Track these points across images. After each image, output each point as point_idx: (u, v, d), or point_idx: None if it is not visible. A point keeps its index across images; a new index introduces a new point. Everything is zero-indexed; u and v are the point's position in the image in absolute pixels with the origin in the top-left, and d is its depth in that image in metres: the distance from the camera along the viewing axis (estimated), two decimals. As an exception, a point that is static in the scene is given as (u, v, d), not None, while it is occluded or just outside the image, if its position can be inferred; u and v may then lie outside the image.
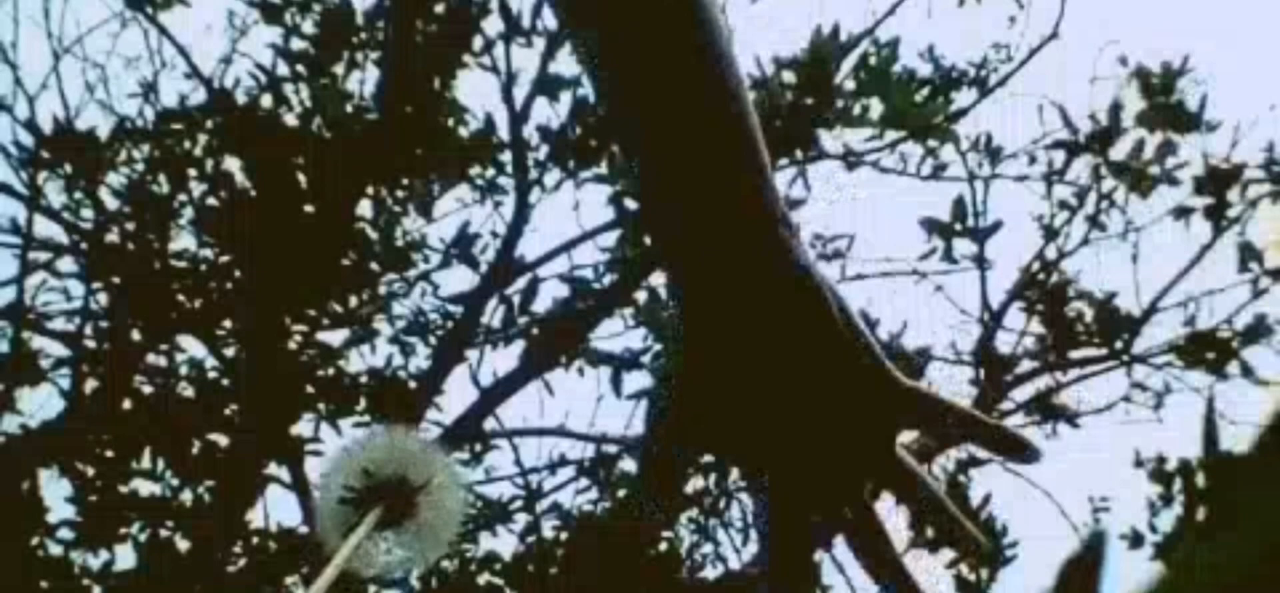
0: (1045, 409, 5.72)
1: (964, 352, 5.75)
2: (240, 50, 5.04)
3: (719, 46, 0.59)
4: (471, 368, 5.14)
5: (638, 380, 5.43)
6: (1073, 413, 5.74)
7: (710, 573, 5.34)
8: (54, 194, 4.84)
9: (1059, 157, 5.72)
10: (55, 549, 4.35)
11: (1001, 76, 5.50)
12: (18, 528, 4.26)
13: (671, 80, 0.58)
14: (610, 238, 5.35)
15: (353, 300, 4.77)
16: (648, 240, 4.99)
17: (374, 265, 4.79)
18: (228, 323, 4.60)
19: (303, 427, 4.64)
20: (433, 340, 5.23)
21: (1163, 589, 0.21)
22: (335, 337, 4.81)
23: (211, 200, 4.62)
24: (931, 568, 5.41)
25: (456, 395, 5.32)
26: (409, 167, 4.83)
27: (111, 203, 4.78)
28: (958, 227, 5.62)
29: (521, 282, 5.23)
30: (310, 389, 4.60)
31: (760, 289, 0.60)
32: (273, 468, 4.58)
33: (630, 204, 5.23)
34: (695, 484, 5.40)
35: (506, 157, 5.15)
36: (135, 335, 4.59)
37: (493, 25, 5.04)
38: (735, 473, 5.32)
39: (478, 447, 5.37)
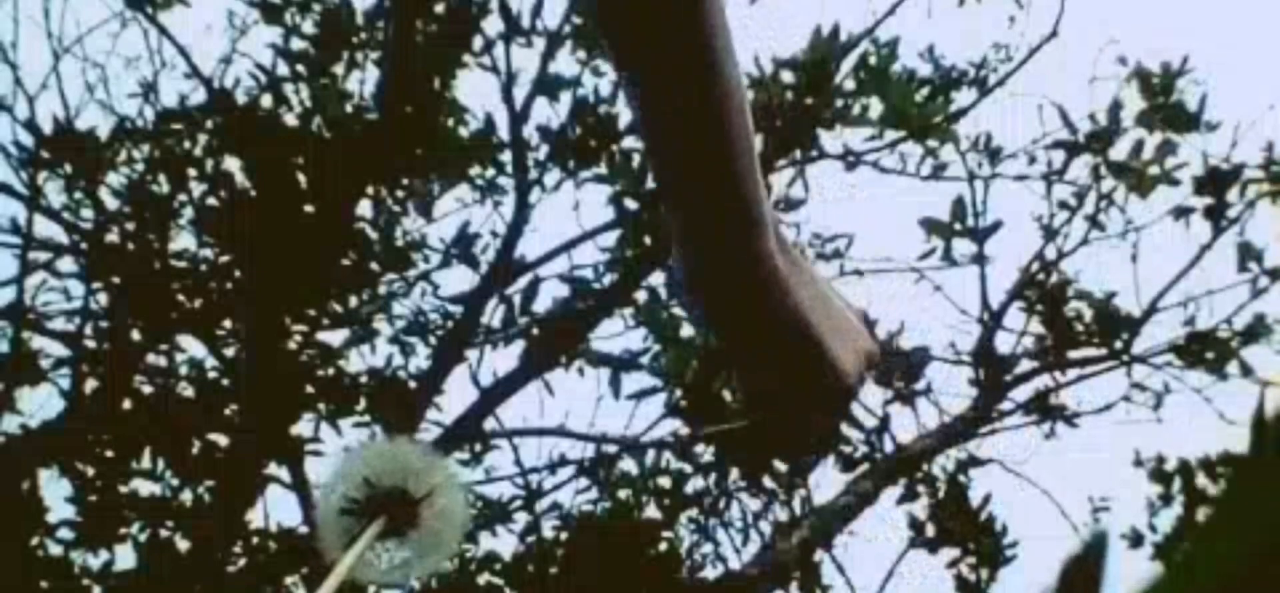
0: (1044, 409, 5.73)
1: (963, 351, 5.76)
2: (240, 50, 5.05)
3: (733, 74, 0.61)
4: (471, 368, 5.14)
5: (637, 381, 5.43)
6: (1072, 413, 5.74)
7: (710, 573, 5.35)
8: (54, 194, 4.85)
9: (1059, 156, 5.73)
10: (55, 549, 4.35)
11: (1001, 76, 5.50)
12: (18, 528, 4.26)
13: (689, 98, 0.60)
14: (610, 238, 5.35)
15: (353, 300, 4.77)
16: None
17: (374, 265, 4.79)
18: (228, 323, 4.60)
19: (303, 427, 4.64)
20: (433, 340, 5.24)
21: (1162, 589, 0.22)
22: (335, 337, 4.82)
23: (211, 200, 4.62)
24: (931, 569, 5.42)
25: (456, 396, 5.33)
26: (409, 167, 4.83)
27: (111, 203, 4.79)
28: (957, 226, 5.62)
29: (522, 282, 5.24)
30: (310, 389, 4.60)
31: (735, 285, 0.64)
32: (273, 468, 4.58)
33: (630, 204, 5.24)
34: (695, 484, 5.41)
35: (506, 157, 5.15)
36: (135, 335, 4.59)
37: (493, 25, 5.04)
38: (734, 473, 5.33)
39: (478, 447, 5.37)
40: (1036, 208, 5.89)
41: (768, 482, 5.36)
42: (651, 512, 5.30)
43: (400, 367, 5.09)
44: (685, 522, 5.39)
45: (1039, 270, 5.81)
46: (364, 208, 4.83)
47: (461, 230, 5.29)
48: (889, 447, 5.49)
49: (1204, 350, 5.67)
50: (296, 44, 4.87)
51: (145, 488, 4.44)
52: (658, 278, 5.46)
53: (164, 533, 4.40)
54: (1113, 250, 5.88)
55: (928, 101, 5.34)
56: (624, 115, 5.29)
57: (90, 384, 4.56)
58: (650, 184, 5.26)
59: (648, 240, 5.30)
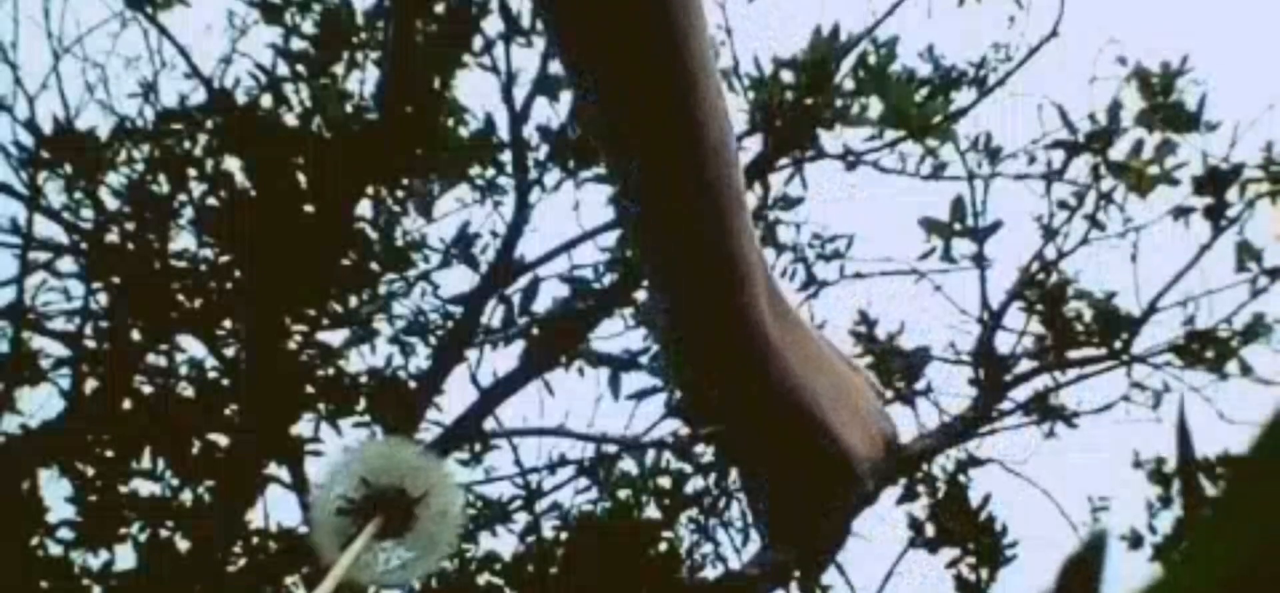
0: (1044, 409, 5.73)
1: (963, 351, 5.76)
2: (240, 50, 5.05)
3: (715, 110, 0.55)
4: (471, 368, 5.15)
5: (637, 380, 5.43)
6: (1072, 413, 5.74)
7: (710, 573, 5.35)
8: (54, 194, 4.85)
9: (1058, 156, 5.73)
10: (55, 549, 4.35)
11: (1001, 76, 5.50)
12: (18, 528, 4.26)
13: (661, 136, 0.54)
14: (610, 238, 5.35)
15: (353, 300, 4.77)
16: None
17: (374, 265, 4.79)
18: (228, 323, 4.60)
19: (303, 427, 4.64)
20: (433, 340, 5.24)
21: (1161, 590, 0.22)
22: (335, 337, 4.82)
23: (211, 200, 4.62)
24: (931, 569, 5.42)
25: (456, 396, 5.33)
26: (409, 167, 4.84)
27: (111, 203, 4.79)
28: (957, 226, 5.62)
29: (522, 282, 5.24)
30: (310, 389, 4.60)
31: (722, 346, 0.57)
32: (273, 468, 4.58)
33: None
34: (695, 484, 5.41)
35: (506, 157, 5.16)
36: (135, 335, 4.59)
37: (493, 25, 5.04)
38: (734, 473, 5.32)
39: (477, 447, 5.38)
40: (1036, 208, 5.91)
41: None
42: (651, 512, 5.31)
43: (400, 367, 5.09)
44: (685, 522, 5.40)
45: (1039, 270, 5.81)
46: (364, 208, 4.84)
47: (461, 230, 5.29)
48: (889, 447, 5.49)
49: (1204, 350, 5.68)
50: (296, 44, 4.87)
51: (145, 488, 4.44)
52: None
53: (164, 533, 4.40)
54: (1112, 250, 5.89)
55: (927, 101, 5.34)
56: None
57: (90, 384, 4.56)
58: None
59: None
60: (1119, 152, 5.64)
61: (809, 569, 0.64)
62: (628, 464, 5.42)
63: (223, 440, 4.52)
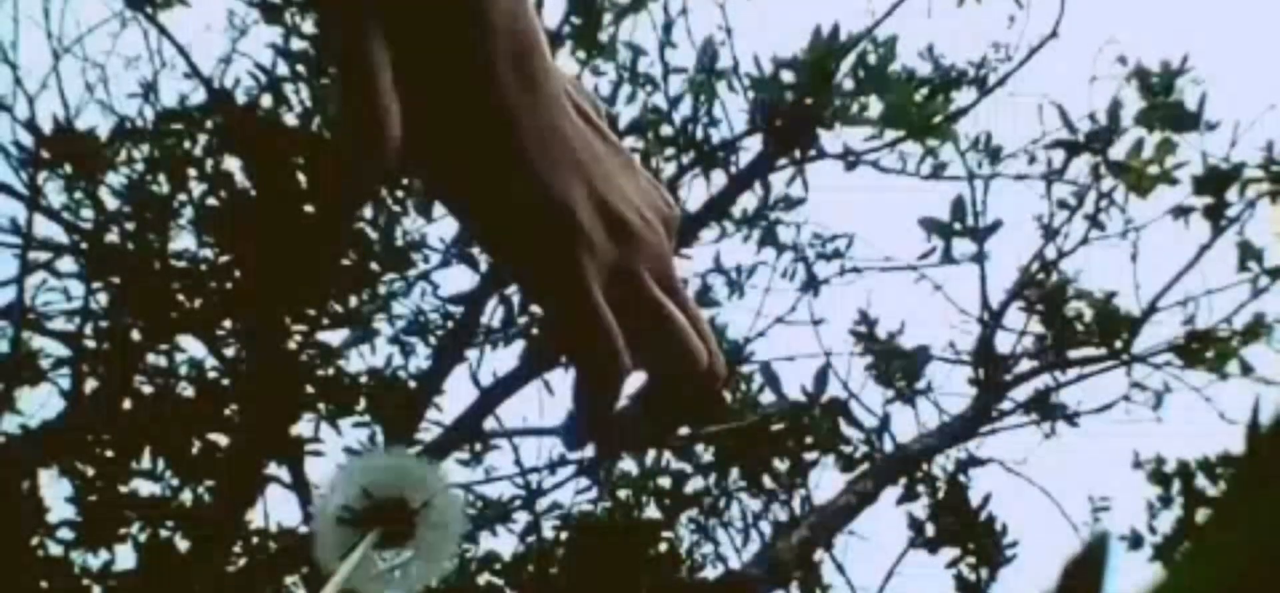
0: (1044, 409, 5.73)
1: (963, 351, 5.76)
2: (240, 50, 5.05)
3: None
4: (471, 368, 5.14)
5: (636, 379, 5.42)
6: (1072, 413, 5.74)
7: (710, 573, 5.35)
8: (54, 194, 4.85)
9: (1058, 156, 5.73)
10: (55, 549, 4.35)
11: (1001, 76, 5.50)
12: (18, 528, 4.26)
13: None
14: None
15: (353, 300, 4.77)
16: None
17: (374, 265, 4.79)
18: (228, 323, 4.60)
19: (303, 427, 4.64)
20: (433, 340, 5.24)
21: (1163, 591, 0.22)
22: (335, 336, 4.82)
23: (211, 200, 4.62)
24: (931, 569, 5.42)
25: (457, 395, 5.33)
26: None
27: (111, 203, 4.79)
28: (957, 226, 5.62)
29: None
30: (310, 389, 4.60)
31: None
32: (273, 468, 4.58)
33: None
34: (695, 484, 5.41)
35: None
36: (135, 335, 4.59)
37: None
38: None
39: (478, 446, 5.37)
40: (1036, 207, 5.91)
41: (768, 481, 5.36)
42: (651, 512, 5.31)
43: (400, 367, 5.09)
44: (685, 522, 5.40)
45: (1039, 270, 5.81)
46: (364, 207, 4.84)
47: (462, 229, 5.29)
48: (889, 446, 5.50)
49: (1204, 350, 5.68)
50: (296, 44, 4.87)
51: (145, 488, 4.44)
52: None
53: (164, 533, 4.40)
54: (1112, 250, 5.90)
55: (927, 101, 5.34)
56: (624, 115, 5.29)
57: (90, 384, 4.56)
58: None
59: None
60: (1119, 151, 5.65)
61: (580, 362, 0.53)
62: (628, 464, 5.42)
63: (223, 440, 4.52)
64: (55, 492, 4.37)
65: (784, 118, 5.17)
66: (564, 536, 5.06)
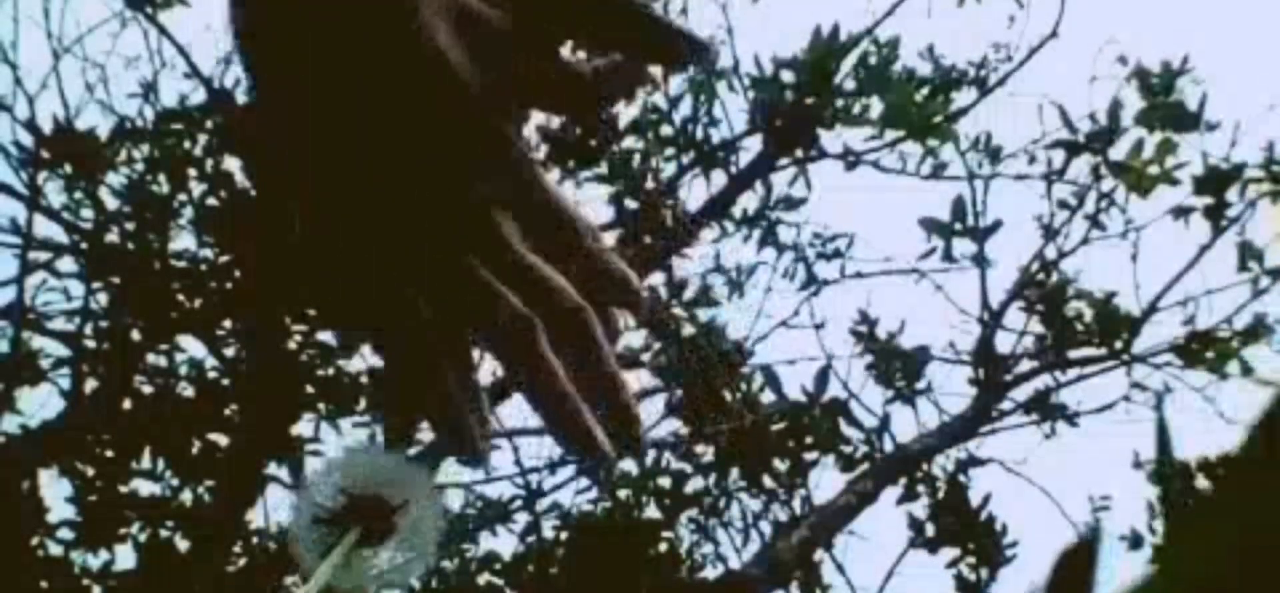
0: (1044, 409, 5.73)
1: (963, 351, 5.76)
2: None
3: None
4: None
5: (637, 380, 5.43)
6: (1072, 413, 5.74)
7: (710, 573, 5.35)
8: (54, 194, 4.85)
9: (1058, 156, 5.73)
10: (55, 549, 4.35)
11: (1001, 76, 5.50)
12: (18, 528, 4.26)
13: None
14: (609, 238, 5.35)
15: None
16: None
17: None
18: (228, 323, 4.60)
19: (303, 427, 4.64)
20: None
21: (1147, 588, 0.22)
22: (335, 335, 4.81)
23: (211, 200, 4.62)
24: (930, 569, 5.42)
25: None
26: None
27: (111, 203, 4.78)
28: (957, 226, 5.62)
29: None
30: (310, 389, 4.60)
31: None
32: (273, 468, 4.58)
33: (630, 204, 5.24)
34: (695, 484, 5.41)
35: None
36: (135, 335, 4.59)
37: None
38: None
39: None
40: (1036, 207, 5.91)
41: (768, 481, 5.36)
42: (651, 512, 5.31)
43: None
44: (685, 522, 5.39)
45: (1039, 270, 5.81)
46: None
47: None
48: (889, 446, 5.50)
49: (1204, 350, 5.68)
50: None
51: (145, 488, 4.44)
52: (658, 277, 5.46)
53: (164, 533, 4.40)
54: (1113, 250, 5.89)
55: (928, 101, 5.34)
56: (624, 115, 5.29)
57: (90, 384, 4.56)
58: (650, 185, 5.27)
59: (647, 240, 5.30)
60: (1119, 151, 5.65)
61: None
62: (628, 464, 5.42)
63: (223, 440, 4.52)
64: (55, 492, 4.37)
65: (784, 118, 5.17)
66: (564, 536, 5.06)
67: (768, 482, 5.36)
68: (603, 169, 5.21)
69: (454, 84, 0.46)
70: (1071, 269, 5.81)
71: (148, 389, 4.59)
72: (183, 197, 4.71)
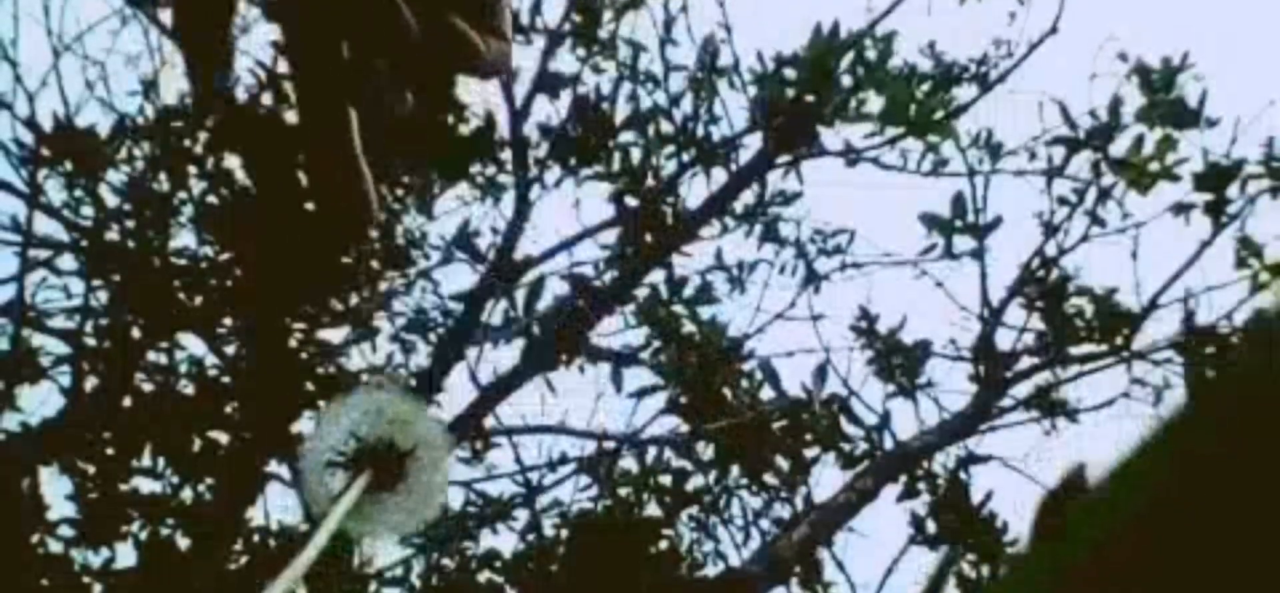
0: (1045, 405, 5.72)
1: (964, 348, 5.75)
2: (241, 48, 5.04)
3: None
4: (472, 366, 5.14)
5: (638, 378, 5.43)
6: (1073, 409, 5.74)
7: (711, 571, 5.35)
8: (54, 192, 4.84)
9: (1059, 153, 5.72)
10: (56, 547, 4.35)
11: (1002, 73, 5.50)
12: (18, 525, 4.26)
13: None
14: (611, 235, 5.35)
15: (353, 298, 4.77)
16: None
17: (374, 263, 4.79)
18: (228, 320, 4.60)
19: (303, 424, 4.64)
20: (433, 338, 5.24)
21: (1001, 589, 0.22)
22: (335, 334, 4.81)
23: (211, 198, 4.62)
24: (927, 564, 5.42)
25: (457, 393, 5.33)
26: (409, 165, 4.83)
27: (112, 200, 4.78)
28: (958, 223, 5.62)
29: (523, 279, 5.23)
30: (311, 387, 4.60)
31: None
32: (273, 466, 4.58)
33: (630, 201, 5.23)
34: (696, 482, 5.40)
35: (507, 154, 5.15)
36: (135, 333, 4.58)
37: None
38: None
39: (478, 444, 5.37)
40: (1037, 204, 5.88)
41: (768, 478, 5.36)
42: (652, 509, 5.30)
43: (401, 365, 5.09)
44: (686, 519, 5.39)
45: (1039, 266, 5.80)
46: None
47: (462, 228, 5.29)
48: (889, 443, 5.49)
49: (1204, 346, 5.67)
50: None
51: (146, 486, 4.44)
52: (658, 275, 5.46)
53: (164, 531, 4.40)
54: (1113, 246, 5.88)
55: (928, 98, 5.34)
56: (624, 113, 5.29)
57: (91, 382, 4.56)
58: (650, 182, 5.27)
59: (648, 238, 5.30)
60: (1120, 148, 5.64)
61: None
62: (628, 462, 5.42)
63: (223, 438, 4.52)
64: (56, 489, 4.37)
65: (784, 115, 5.17)
66: (564, 533, 5.06)
67: (768, 479, 5.36)
68: (603, 167, 5.20)
69: None
70: (1072, 266, 5.81)
71: (148, 387, 4.59)
72: (183, 194, 4.71)
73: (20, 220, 4.82)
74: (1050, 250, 5.80)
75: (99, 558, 4.39)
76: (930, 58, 5.48)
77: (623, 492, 5.30)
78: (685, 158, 5.31)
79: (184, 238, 4.69)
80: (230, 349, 4.63)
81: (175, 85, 4.99)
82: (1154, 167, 5.58)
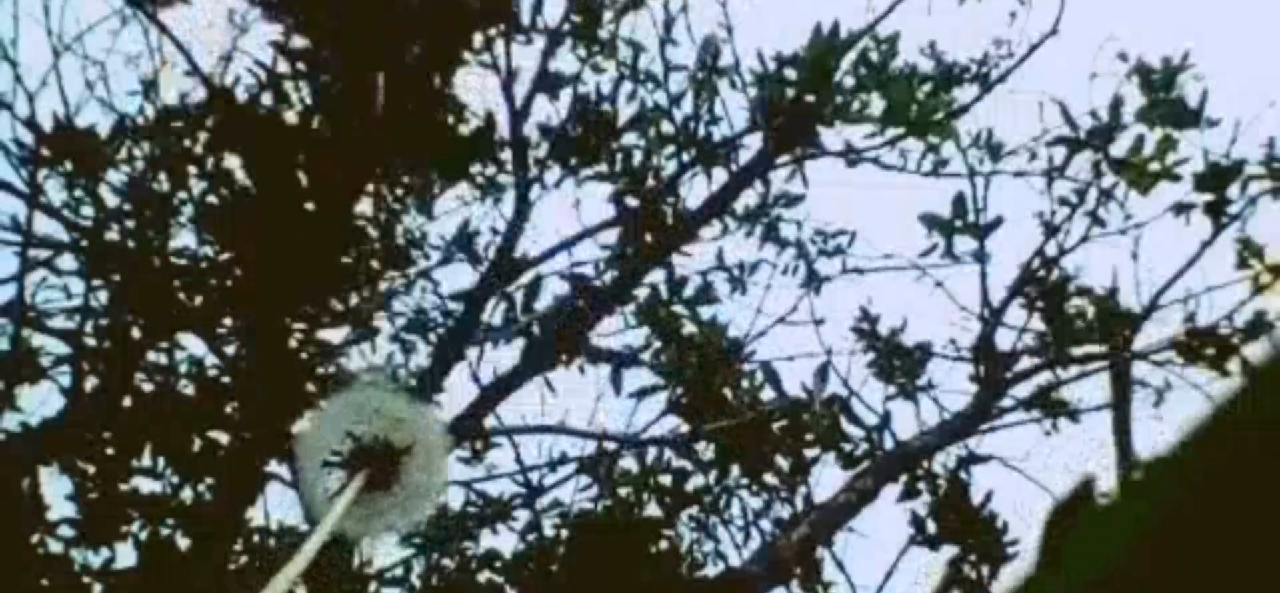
0: (1045, 405, 5.72)
1: (964, 348, 5.75)
2: (240, 48, 5.05)
3: None
4: (472, 366, 5.14)
5: (638, 378, 5.43)
6: (1073, 409, 5.73)
7: (711, 571, 5.34)
8: (54, 191, 4.84)
9: (1059, 153, 5.72)
10: (56, 547, 4.34)
11: (1002, 73, 5.50)
12: (18, 525, 4.26)
13: None
14: (611, 235, 5.35)
15: (353, 298, 4.77)
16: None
17: (374, 263, 4.79)
18: (228, 320, 4.60)
19: (303, 424, 4.63)
20: (433, 338, 5.23)
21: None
22: (336, 334, 4.81)
23: (212, 198, 4.61)
24: (932, 567, 5.42)
25: (457, 393, 5.34)
26: (409, 164, 4.83)
27: (111, 200, 4.78)
28: (958, 223, 5.62)
29: (523, 279, 5.23)
30: (311, 387, 4.60)
31: None
32: (273, 466, 4.57)
33: (630, 201, 5.23)
34: (696, 482, 5.40)
35: (507, 154, 5.15)
36: (135, 333, 4.58)
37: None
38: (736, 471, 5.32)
39: (478, 444, 5.37)
40: (1037, 204, 5.88)
41: (769, 478, 5.35)
42: (652, 509, 5.30)
43: (401, 364, 5.08)
44: (686, 519, 5.39)
45: (1040, 267, 5.80)
46: (364, 205, 4.83)
47: (462, 228, 5.29)
48: (890, 444, 5.49)
49: (1205, 347, 5.67)
50: (297, 42, 4.86)
51: (146, 486, 4.44)
52: (659, 275, 5.46)
53: (164, 531, 4.39)
54: (1113, 247, 5.88)
55: (929, 98, 5.34)
56: (624, 113, 5.29)
57: (90, 382, 4.56)
58: (650, 182, 5.26)
59: (648, 238, 5.30)
60: (1120, 148, 5.64)
61: None
62: (628, 462, 5.41)
63: (223, 438, 4.52)
64: (56, 489, 4.37)
65: (784, 115, 5.16)
66: (564, 533, 5.05)
67: (768, 479, 5.36)
68: (603, 167, 5.20)
69: None
70: (1072, 266, 5.81)
71: (148, 387, 4.58)
72: (182, 194, 4.71)
73: (20, 220, 4.82)
74: (1050, 251, 5.80)
75: (99, 558, 4.39)
76: (931, 58, 5.48)
77: (623, 492, 5.30)
78: (685, 158, 5.30)
79: (184, 238, 4.69)
80: (230, 349, 4.63)
81: (175, 85, 4.99)
82: (1154, 167, 5.58)
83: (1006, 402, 5.70)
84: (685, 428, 5.39)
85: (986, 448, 5.63)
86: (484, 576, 5.01)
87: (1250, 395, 0.22)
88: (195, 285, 4.56)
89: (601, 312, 5.30)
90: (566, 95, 5.19)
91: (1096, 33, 6.70)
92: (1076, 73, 7.15)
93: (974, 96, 5.51)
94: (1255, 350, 5.60)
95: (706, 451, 5.40)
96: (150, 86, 5.01)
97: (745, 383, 5.41)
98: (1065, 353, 5.71)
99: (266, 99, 4.78)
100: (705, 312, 5.53)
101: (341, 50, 4.45)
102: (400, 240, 4.99)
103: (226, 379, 4.58)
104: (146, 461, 4.44)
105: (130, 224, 4.68)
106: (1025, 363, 5.75)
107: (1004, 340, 5.78)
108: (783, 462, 5.34)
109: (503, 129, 5.09)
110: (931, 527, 5.41)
